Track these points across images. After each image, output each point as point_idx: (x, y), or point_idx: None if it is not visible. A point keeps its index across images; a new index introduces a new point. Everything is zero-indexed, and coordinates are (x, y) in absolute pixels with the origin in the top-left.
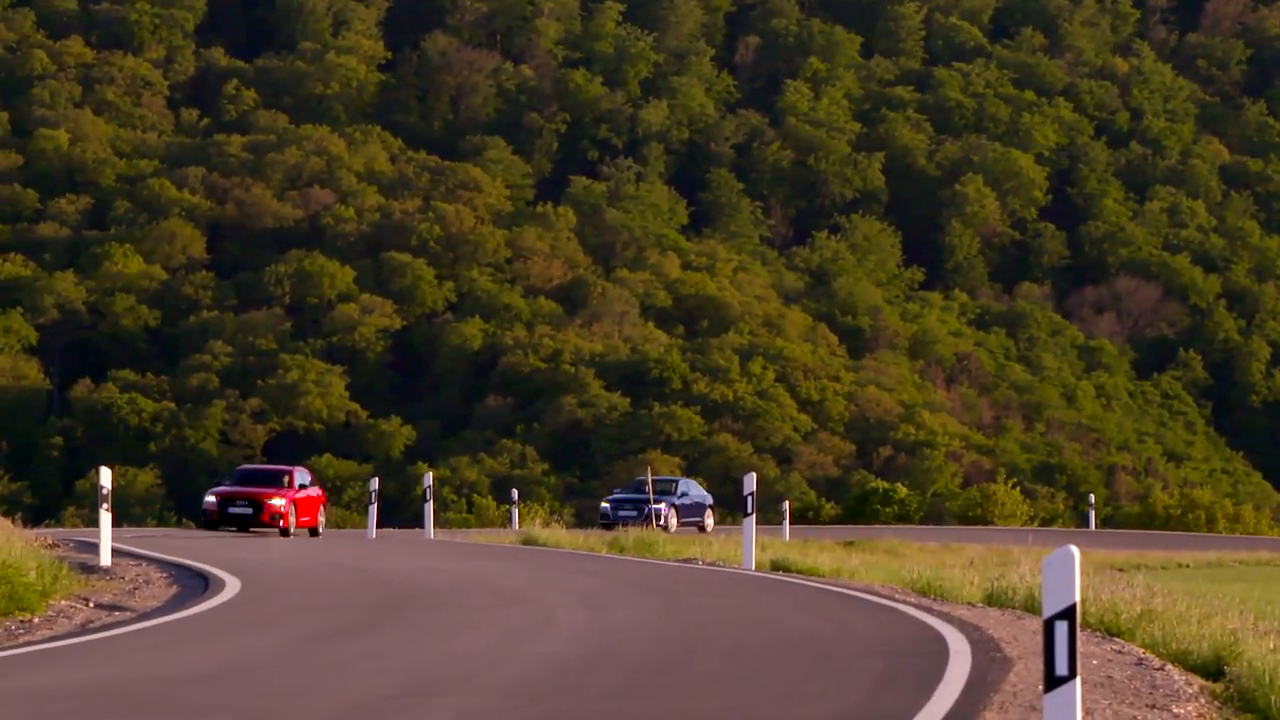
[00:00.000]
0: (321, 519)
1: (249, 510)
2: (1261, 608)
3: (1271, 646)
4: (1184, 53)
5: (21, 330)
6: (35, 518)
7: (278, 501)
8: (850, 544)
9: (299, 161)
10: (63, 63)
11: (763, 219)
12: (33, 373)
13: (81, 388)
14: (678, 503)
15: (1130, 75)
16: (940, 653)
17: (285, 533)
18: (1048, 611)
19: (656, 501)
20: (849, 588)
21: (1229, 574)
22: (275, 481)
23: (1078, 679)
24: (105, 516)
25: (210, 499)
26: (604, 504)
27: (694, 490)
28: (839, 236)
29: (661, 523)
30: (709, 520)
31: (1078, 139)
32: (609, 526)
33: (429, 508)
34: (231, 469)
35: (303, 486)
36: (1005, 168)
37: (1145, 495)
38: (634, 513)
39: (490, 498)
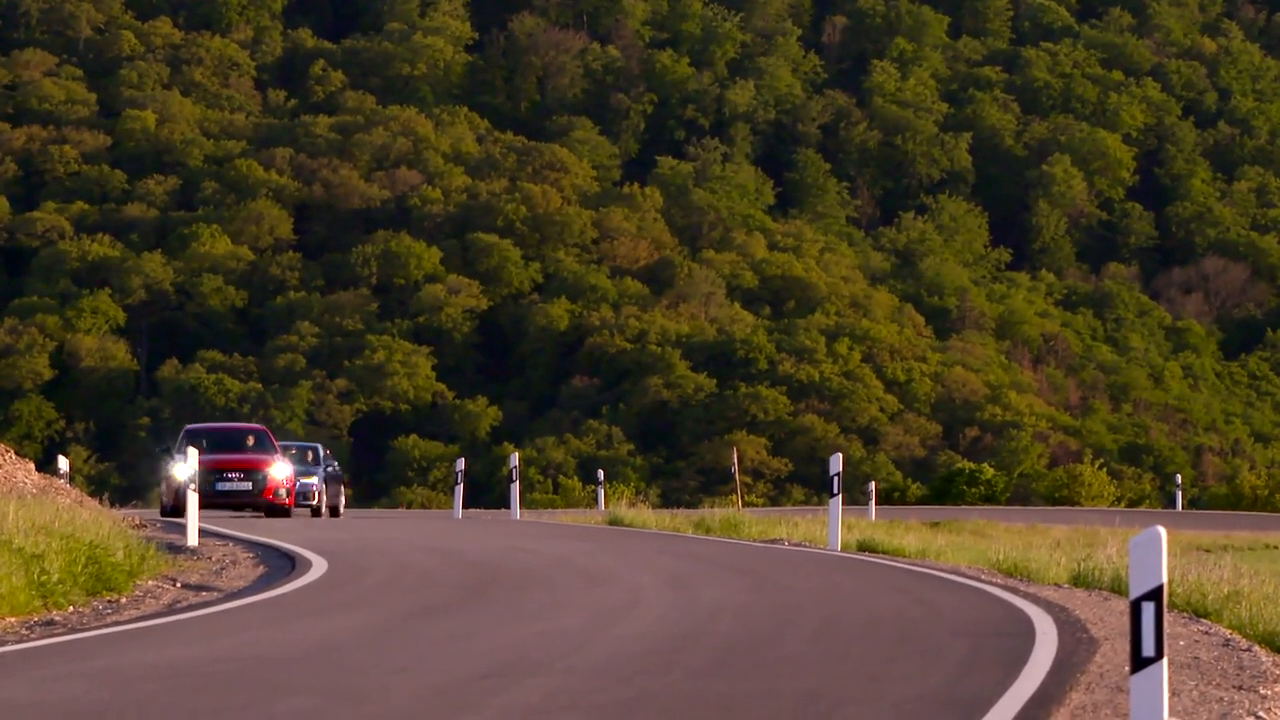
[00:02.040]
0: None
1: (248, 485)
2: None
3: None
4: (1273, 32)
5: (109, 311)
6: (122, 498)
7: (279, 474)
8: (936, 525)
9: (386, 142)
10: (150, 44)
11: (849, 199)
12: (120, 353)
13: (169, 368)
14: (325, 475)
15: (1218, 55)
16: (1027, 633)
17: (287, 512)
18: (1135, 592)
19: (305, 474)
20: (935, 568)
21: None
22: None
23: (1164, 660)
24: (192, 497)
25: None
26: None
27: (330, 460)
28: (926, 217)
29: (313, 501)
30: (342, 497)
31: (1165, 119)
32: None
33: (515, 488)
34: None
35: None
36: (1092, 148)
37: (1233, 476)
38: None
39: (576, 478)
